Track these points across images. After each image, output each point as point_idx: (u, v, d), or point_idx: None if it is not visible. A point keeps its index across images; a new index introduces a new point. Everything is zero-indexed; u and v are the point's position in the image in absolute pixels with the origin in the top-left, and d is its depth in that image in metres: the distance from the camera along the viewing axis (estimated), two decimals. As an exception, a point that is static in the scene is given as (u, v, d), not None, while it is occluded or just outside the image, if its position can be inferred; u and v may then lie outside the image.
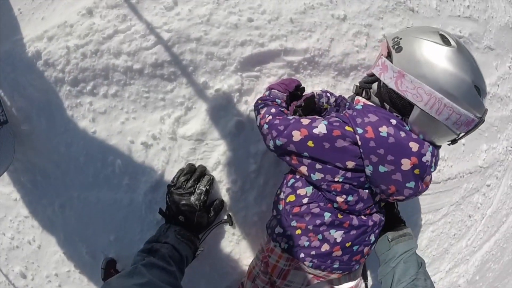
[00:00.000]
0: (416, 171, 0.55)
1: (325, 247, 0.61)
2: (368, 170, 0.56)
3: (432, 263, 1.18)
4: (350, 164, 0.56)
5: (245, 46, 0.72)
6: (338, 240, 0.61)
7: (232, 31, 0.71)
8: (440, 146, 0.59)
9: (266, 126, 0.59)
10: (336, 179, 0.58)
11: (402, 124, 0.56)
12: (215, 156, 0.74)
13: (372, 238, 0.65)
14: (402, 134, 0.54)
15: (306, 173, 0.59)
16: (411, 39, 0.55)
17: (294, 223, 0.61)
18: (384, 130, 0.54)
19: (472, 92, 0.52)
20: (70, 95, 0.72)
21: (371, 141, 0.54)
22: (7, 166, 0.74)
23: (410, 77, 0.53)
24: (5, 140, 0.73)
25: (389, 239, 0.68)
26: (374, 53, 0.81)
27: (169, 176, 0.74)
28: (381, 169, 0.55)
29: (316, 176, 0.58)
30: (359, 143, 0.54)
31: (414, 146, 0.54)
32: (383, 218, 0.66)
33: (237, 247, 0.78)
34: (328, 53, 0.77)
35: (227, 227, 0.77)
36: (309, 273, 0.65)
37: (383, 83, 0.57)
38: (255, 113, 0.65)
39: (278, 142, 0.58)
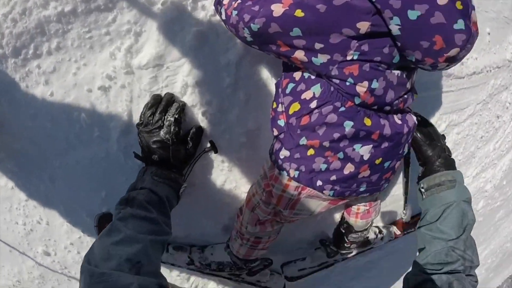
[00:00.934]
0: (458, 4, 0.38)
1: (349, 168, 0.48)
2: (395, 24, 0.39)
3: (458, 168, 1.05)
4: (364, 27, 0.40)
5: None
6: (366, 157, 0.47)
7: None
8: None
9: (235, 12, 0.45)
10: (349, 57, 0.42)
11: None
12: (180, 78, 0.66)
13: (406, 149, 0.51)
14: None
15: (305, 59, 0.43)
16: None
17: (304, 141, 0.47)
18: None
19: None
20: (17, 67, 0.66)
21: None
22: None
23: None
24: None
25: (423, 188, 0.57)
26: None
27: (136, 114, 0.67)
28: (412, 15, 0.38)
29: (320, 59, 0.43)
30: None
31: None
32: (415, 120, 0.51)
33: (231, 174, 0.72)
34: None
35: (213, 156, 0.70)
36: (326, 199, 0.54)
37: None
38: (217, 10, 0.51)
39: (255, 26, 0.43)
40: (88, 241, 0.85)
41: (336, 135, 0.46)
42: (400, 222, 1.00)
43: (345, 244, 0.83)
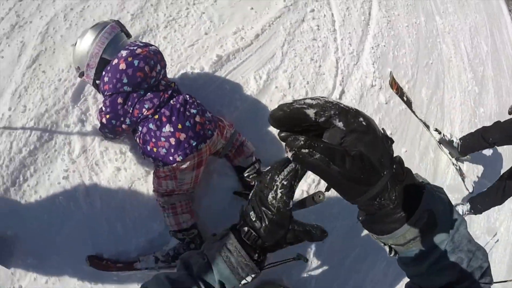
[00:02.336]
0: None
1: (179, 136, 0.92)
2: None
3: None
4: None
5: None
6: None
7: None
8: None
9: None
10: None
11: None
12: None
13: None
14: None
15: None
16: None
17: None
18: None
19: None
20: (16, 191, 1.05)
21: None
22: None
23: None
24: (4, 248, 1.05)
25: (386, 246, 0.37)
26: None
27: (89, 198, 1.11)
28: None
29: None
30: None
31: None
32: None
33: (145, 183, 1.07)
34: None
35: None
36: (187, 164, 0.97)
37: None
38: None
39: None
40: None
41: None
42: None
43: (251, 183, 1.06)
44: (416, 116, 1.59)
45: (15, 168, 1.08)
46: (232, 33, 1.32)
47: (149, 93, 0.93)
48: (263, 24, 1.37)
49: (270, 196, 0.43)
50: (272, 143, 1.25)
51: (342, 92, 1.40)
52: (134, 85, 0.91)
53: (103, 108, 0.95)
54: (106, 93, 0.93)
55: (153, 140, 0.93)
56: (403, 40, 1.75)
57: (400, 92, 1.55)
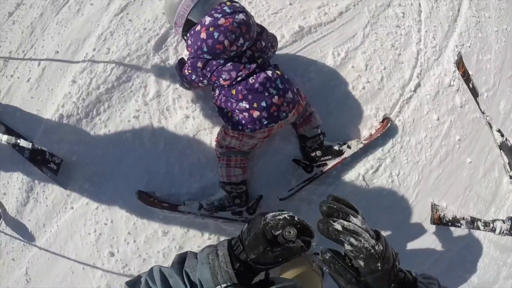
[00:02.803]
0: None
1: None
2: None
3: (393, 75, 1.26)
4: None
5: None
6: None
7: None
8: None
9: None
10: None
11: None
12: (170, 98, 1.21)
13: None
14: None
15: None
16: None
17: None
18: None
19: None
20: (87, 123, 1.18)
21: None
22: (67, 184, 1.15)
23: None
24: (66, 171, 1.17)
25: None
26: None
27: (152, 130, 1.19)
28: None
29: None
30: None
31: None
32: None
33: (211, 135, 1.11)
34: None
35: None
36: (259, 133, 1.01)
37: None
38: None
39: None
40: (140, 225, 1.18)
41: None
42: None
43: (311, 154, 1.05)
44: (480, 109, 1.42)
45: (90, 101, 1.18)
46: (317, 7, 1.30)
47: (229, 64, 0.90)
48: (348, 3, 1.32)
49: (264, 219, 0.48)
50: (338, 119, 1.23)
51: (418, 85, 1.32)
52: (213, 55, 0.90)
53: (186, 65, 0.97)
54: (189, 55, 0.96)
55: (228, 107, 0.94)
56: (490, 44, 1.59)
57: (467, 76, 1.40)
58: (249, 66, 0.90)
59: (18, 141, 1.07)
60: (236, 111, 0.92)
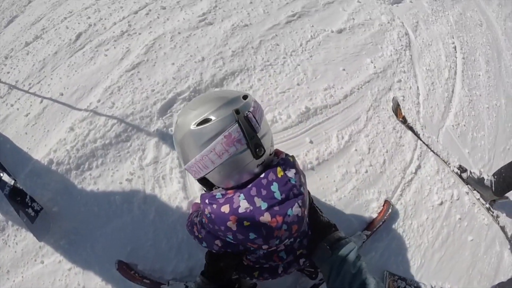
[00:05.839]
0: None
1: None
2: None
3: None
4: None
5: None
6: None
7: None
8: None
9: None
10: None
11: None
12: (168, 166, 1.19)
13: None
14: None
15: None
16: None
17: None
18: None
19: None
20: (76, 176, 1.11)
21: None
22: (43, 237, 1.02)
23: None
24: (43, 221, 1.05)
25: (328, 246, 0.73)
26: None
27: (147, 191, 1.14)
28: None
29: None
30: None
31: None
32: None
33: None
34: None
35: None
36: None
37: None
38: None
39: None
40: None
41: None
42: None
43: None
44: (423, 142, 1.41)
45: (84, 153, 1.13)
46: (323, 89, 1.36)
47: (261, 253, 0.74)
48: (352, 86, 1.39)
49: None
50: (340, 206, 1.21)
51: (419, 167, 1.35)
52: (242, 245, 0.70)
53: (196, 226, 0.75)
54: (200, 217, 0.73)
55: None
56: (482, 121, 1.68)
57: (405, 120, 1.41)
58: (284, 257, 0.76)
59: (1, 174, 0.98)
60: None
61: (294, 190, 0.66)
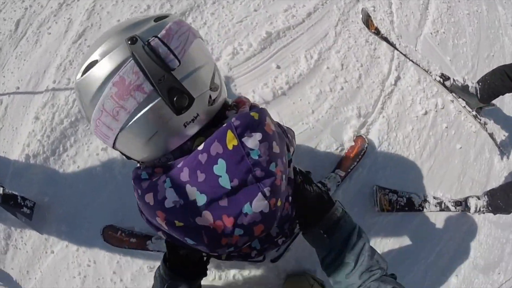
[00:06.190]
0: None
1: None
2: None
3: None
4: None
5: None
6: None
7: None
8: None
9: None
10: None
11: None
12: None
13: None
14: None
15: None
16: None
17: None
18: None
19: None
20: (55, 161, 1.11)
21: None
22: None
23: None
24: (39, 214, 1.09)
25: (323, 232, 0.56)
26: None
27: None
28: None
29: None
30: None
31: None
32: None
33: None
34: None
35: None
36: None
37: None
38: None
39: None
40: (124, 263, 1.09)
41: None
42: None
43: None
44: (401, 52, 1.33)
45: (55, 138, 1.11)
46: (283, 10, 1.25)
47: None
48: (315, 3, 1.29)
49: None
50: (317, 127, 1.17)
51: (398, 78, 1.28)
52: None
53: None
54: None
55: None
56: (463, 28, 1.58)
57: (378, 31, 1.32)
58: None
59: (-12, 186, 1.00)
60: None
61: (257, 171, 0.42)
